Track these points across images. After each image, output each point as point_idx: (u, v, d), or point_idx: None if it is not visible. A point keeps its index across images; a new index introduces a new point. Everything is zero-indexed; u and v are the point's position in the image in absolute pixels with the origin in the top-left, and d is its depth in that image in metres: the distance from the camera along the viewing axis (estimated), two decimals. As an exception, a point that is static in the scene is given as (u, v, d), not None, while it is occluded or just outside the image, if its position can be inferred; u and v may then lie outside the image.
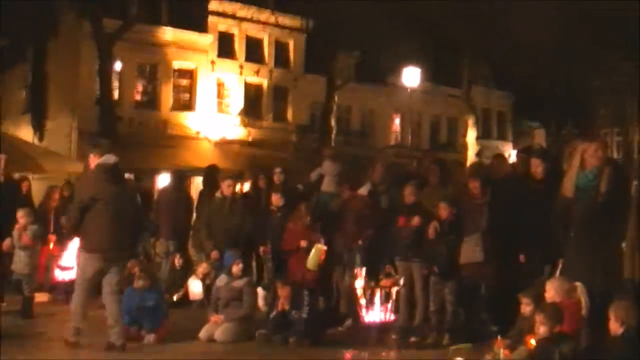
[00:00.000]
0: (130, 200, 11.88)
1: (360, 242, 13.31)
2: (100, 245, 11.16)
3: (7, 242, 13.74)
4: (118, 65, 36.21)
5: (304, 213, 13.61)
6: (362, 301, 12.07)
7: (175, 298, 15.34)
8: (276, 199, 14.33)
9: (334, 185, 15.37)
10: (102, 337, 11.44)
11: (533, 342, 8.75)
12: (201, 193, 16.85)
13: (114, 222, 11.16)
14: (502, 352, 9.86)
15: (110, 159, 11.42)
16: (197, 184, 24.84)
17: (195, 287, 15.31)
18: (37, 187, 19.90)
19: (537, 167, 11.66)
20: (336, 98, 42.57)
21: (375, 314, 12.03)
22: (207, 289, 14.32)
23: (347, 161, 17.48)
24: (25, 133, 36.37)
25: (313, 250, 13.08)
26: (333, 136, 41.47)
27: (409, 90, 42.31)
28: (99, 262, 11.18)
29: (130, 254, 12.56)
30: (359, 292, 12.12)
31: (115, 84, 36.04)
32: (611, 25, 37.32)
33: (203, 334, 12.02)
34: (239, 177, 17.57)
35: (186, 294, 15.38)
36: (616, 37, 38.55)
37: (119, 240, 11.28)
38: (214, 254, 14.31)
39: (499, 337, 10.11)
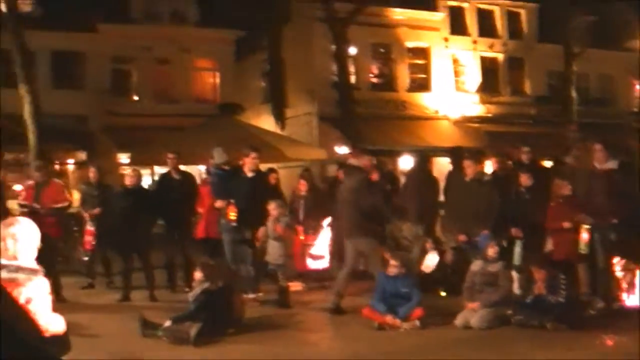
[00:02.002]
0: (363, 190, 13.19)
1: (614, 220, 12.82)
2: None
3: (261, 231, 14.12)
4: (352, 49, 36.48)
5: (562, 190, 13.20)
6: (623, 284, 11.62)
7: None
8: (525, 179, 13.96)
9: None
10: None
11: None
12: (449, 175, 16.61)
13: (349, 210, 13.22)
14: None
15: (352, 161, 13.85)
16: (439, 163, 24.70)
17: (431, 259, 15.25)
18: (281, 176, 20.31)
19: None
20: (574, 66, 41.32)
21: (637, 296, 11.56)
22: (453, 273, 14.22)
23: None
24: (267, 122, 37.26)
25: (582, 233, 12.69)
26: (574, 106, 40.24)
27: (648, 53, 40.62)
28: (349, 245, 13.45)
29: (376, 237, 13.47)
30: (619, 274, 11.66)
31: (351, 67, 36.28)
32: None
33: (459, 320, 11.91)
34: (481, 155, 17.27)
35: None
36: None
37: (351, 224, 13.23)
38: (462, 237, 14.14)
39: None
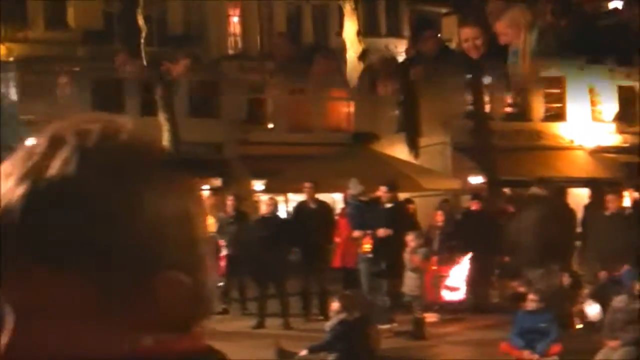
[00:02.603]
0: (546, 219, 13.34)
1: None
2: None
3: (383, 231, 14.18)
4: (487, 78, 36.17)
5: None
6: None
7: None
8: (667, 213, 13.62)
9: None
10: None
11: None
12: (588, 208, 16.30)
13: (529, 239, 13.37)
14: None
15: (535, 190, 14.38)
16: (574, 195, 24.23)
17: (592, 309, 14.82)
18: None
19: None
20: None
21: None
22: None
23: None
24: (400, 151, 37.17)
25: None
26: None
27: None
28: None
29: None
30: None
31: (485, 96, 35.96)
32: None
33: (599, 357, 11.58)
34: (620, 187, 16.86)
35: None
36: None
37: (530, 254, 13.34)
38: (603, 274, 13.82)
39: None
